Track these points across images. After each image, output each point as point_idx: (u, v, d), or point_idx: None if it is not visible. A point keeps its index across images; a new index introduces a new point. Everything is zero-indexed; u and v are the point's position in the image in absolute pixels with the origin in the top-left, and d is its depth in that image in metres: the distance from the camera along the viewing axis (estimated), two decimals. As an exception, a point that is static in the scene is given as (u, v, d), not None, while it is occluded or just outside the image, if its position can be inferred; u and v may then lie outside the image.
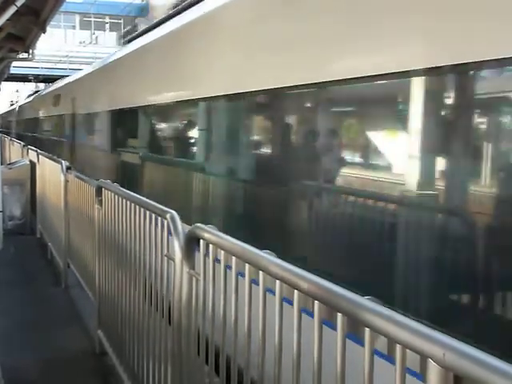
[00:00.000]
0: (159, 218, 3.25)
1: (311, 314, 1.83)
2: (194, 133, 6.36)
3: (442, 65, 2.76)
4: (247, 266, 2.26)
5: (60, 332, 5.40)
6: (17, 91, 60.53)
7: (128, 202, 3.87)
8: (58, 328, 5.51)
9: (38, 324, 5.57)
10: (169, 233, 3.06)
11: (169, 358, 3.10)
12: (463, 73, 2.72)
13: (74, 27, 44.02)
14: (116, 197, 4.19)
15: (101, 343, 4.77)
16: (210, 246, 2.62)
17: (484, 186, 2.68)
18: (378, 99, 3.40)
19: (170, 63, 6.88)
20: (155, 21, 10.66)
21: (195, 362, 2.82)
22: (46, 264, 7.95)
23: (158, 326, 3.37)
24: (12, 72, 28.85)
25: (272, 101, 4.60)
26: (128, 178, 8.11)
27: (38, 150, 9.78)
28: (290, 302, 1.95)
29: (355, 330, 1.87)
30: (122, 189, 4.19)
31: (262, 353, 2.20)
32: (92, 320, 5.15)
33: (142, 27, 41.92)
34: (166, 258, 3.13)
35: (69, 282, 6.87)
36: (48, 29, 13.06)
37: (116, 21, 42.26)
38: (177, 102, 6.52)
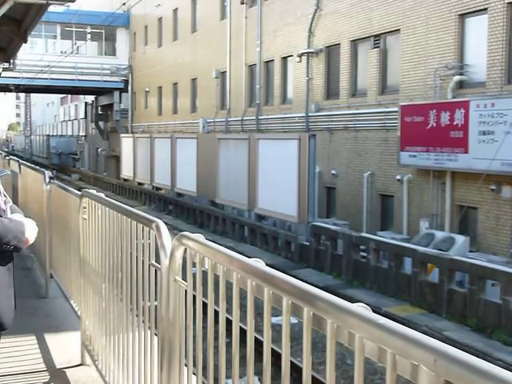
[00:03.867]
0: (145, 228, 3.23)
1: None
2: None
3: None
4: (235, 273, 2.25)
5: (43, 343, 5.34)
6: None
7: (112, 212, 3.84)
8: (41, 339, 5.44)
9: (20, 335, 5.49)
10: (155, 242, 3.05)
11: (155, 368, 3.07)
12: None
13: (55, 37, 43.80)
14: (100, 206, 4.16)
15: (85, 354, 4.72)
16: (197, 254, 2.61)
17: None
18: None
19: None
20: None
21: (182, 372, 2.80)
22: (28, 275, 7.87)
23: (143, 337, 3.34)
24: (-8, 82, 28.61)
25: None
26: None
27: (20, 160, 9.70)
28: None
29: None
30: (106, 198, 4.17)
31: (251, 362, 2.19)
32: (76, 331, 5.10)
33: (123, 37, 41.73)
34: (152, 268, 3.11)
35: (52, 293, 6.80)
36: (29, 39, 12.97)
37: (97, 30, 42.10)
38: None
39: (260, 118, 25.73)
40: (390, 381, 1.48)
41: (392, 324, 1.47)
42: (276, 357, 2.89)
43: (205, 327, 2.56)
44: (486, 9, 15.01)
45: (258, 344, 2.30)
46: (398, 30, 17.96)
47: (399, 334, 1.42)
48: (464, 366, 1.25)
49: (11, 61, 16.14)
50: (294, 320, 1.99)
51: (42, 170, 7.45)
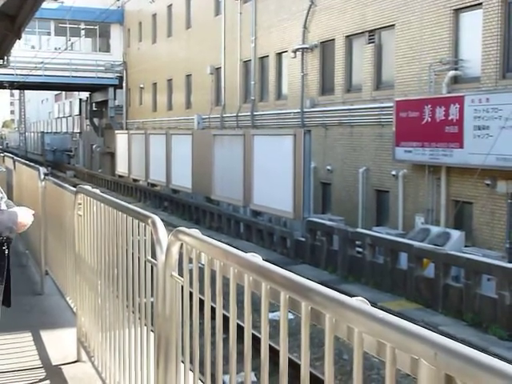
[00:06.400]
0: (140, 223, 3.21)
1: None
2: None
3: None
4: (231, 268, 2.24)
5: (39, 340, 5.32)
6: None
7: (108, 208, 3.82)
8: (37, 336, 5.42)
9: (16, 332, 5.47)
10: (151, 238, 3.03)
11: (152, 365, 3.06)
12: None
13: (49, 34, 43.64)
14: (95, 202, 4.13)
15: (81, 351, 4.70)
16: (193, 249, 2.59)
17: None
18: None
19: None
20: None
21: (179, 368, 2.79)
22: (23, 272, 7.84)
23: (140, 333, 3.32)
24: (-14, 79, 28.52)
25: None
26: None
27: (15, 157, 9.67)
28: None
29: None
30: (101, 194, 4.14)
31: (248, 358, 2.17)
32: (71, 328, 5.08)
33: (117, 33, 41.66)
34: (148, 264, 3.09)
35: (47, 290, 6.78)
36: (23, 35, 12.92)
37: (91, 27, 41.95)
38: None
39: (255, 113, 25.70)
40: (389, 375, 1.47)
41: (391, 318, 1.45)
42: (273, 352, 2.88)
43: (201, 323, 2.54)
44: (480, 4, 15.00)
45: (255, 340, 2.28)
46: (393, 25, 17.95)
47: (399, 328, 1.41)
48: (465, 360, 1.24)
49: (5, 57, 16.08)
50: (290, 316, 1.97)
51: (37, 166, 7.42)
